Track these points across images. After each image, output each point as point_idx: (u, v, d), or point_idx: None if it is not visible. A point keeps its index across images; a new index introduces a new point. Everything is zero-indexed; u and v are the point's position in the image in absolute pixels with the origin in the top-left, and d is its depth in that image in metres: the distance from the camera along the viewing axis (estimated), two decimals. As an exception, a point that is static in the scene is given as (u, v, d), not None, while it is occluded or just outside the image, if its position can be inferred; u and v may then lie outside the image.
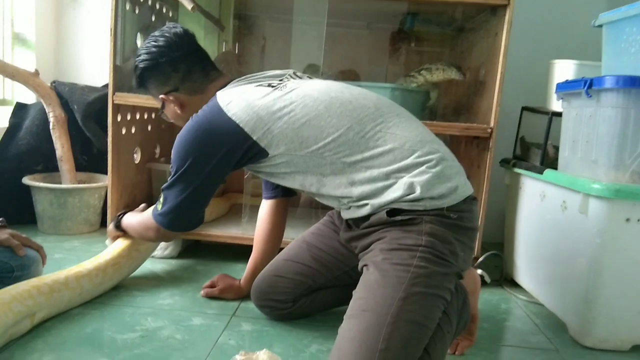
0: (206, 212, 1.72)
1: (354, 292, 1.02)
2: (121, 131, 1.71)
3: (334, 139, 1.06)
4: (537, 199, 1.52)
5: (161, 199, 1.18)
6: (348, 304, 1.30)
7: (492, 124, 1.58)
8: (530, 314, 1.47)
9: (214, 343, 1.14)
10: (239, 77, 1.21)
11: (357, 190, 1.05)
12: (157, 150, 2.06)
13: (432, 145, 1.07)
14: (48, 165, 2.00)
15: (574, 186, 1.28)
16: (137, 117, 1.84)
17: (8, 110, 2.00)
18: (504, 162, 1.74)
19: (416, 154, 1.04)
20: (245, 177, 1.95)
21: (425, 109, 1.80)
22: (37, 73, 1.88)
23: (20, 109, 2.00)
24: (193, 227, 1.22)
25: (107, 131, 1.98)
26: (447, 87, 1.96)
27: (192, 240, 1.81)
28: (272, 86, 1.13)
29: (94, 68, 2.22)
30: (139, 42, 1.78)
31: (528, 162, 1.61)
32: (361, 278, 1.03)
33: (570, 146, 1.38)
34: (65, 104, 1.96)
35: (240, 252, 1.68)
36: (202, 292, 1.40)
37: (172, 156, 1.14)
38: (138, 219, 1.34)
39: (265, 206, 1.42)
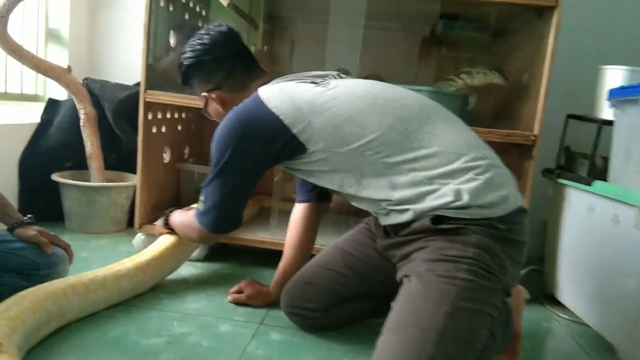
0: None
1: (393, 304, 0.96)
2: (151, 129, 1.69)
3: (375, 137, 1.00)
4: (583, 212, 1.44)
5: (202, 197, 1.16)
6: (381, 316, 1.25)
7: (536, 132, 1.50)
8: (574, 335, 1.38)
9: (242, 352, 1.09)
10: (276, 77, 1.18)
11: (398, 194, 0.99)
12: (186, 151, 2.03)
13: (480, 150, 1.01)
14: (78, 162, 1.98)
15: (628, 199, 1.19)
16: (168, 116, 1.81)
17: (40, 107, 1.99)
18: (547, 172, 1.65)
19: (463, 159, 0.97)
20: (275, 179, 1.91)
21: (464, 114, 1.72)
22: (69, 69, 1.87)
23: (52, 105, 2.00)
24: (233, 227, 1.19)
25: (137, 130, 1.98)
26: (486, 91, 1.88)
27: (219, 244, 1.76)
28: (315, 83, 1.09)
29: (126, 65, 2.21)
30: (171, 40, 1.76)
31: (574, 173, 1.53)
32: (401, 289, 0.96)
33: (623, 157, 1.29)
34: (96, 102, 1.95)
35: (268, 257, 1.63)
36: (229, 297, 1.36)
37: (212, 149, 1.11)
38: (183, 218, 1.34)
39: (298, 210, 1.37)
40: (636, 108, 1.23)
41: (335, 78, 1.14)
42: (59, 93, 2.07)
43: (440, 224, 0.95)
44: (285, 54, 2.25)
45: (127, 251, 1.69)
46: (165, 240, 1.43)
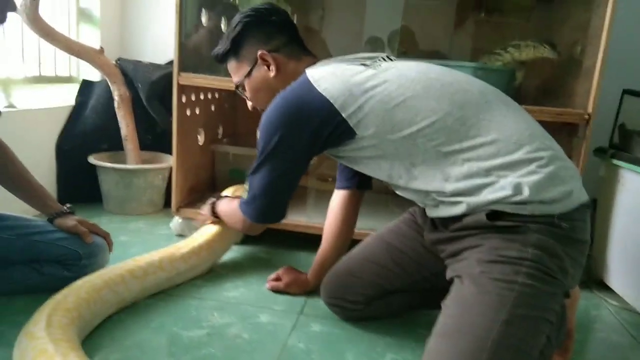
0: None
1: (443, 306, 0.91)
2: (185, 112, 1.66)
3: (429, 123, 0.94)
4: (640, 196, 1.35)
5: (246, 186, 1.12)
6: (423, 308, 1.25)
7: (590, 110, 1.40)
8: (625, 323, 1.32)
9: (283, 345, 1.08)
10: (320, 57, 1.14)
11: (451, 186, 0.93)
12: (220, 131, 2.00)
13: (543, 140, 0.93)
14: (113, 144, 1.98)
15: (694, 187, 1.11)
16: (201, 97, 1.78)
17: (74, 88, 1.99)
18: (600, 152, 1.56)
19: (524, 149, 0.90)
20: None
21: (510, 90, 1.63)
22: (102, 51, 1.85)
23: (86, 87, 1.99)
24: (278, 218, 1.14)
25: (170, 111, 1.95)
26: (534, 66, 1.77)
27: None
28: (366, 65, 1.03)
29: (157, 44, 2.17)
30: (203, 19, 1.71)
31: (630, 154, 1.43)
32: (453, 291, 0.91)
33: (688, 139, 1.19)
34: (129, 82, 1.93)
35: (304, 240, 1.61)
36: (267, 284, 1.34)
37: (259, 135, 1.07)
38: (229, 207, 1.29)
39: (337, 197, 1.33)
40: None
41: (385, 60, 1.07)
42: (93, 74, 2.06)
43: (497, 219, 0.89)
44: (314, 23, 2.15)
45: (165, 234, 1.69)
46: (215, 228, 1.43)
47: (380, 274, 1.17)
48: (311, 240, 1.64)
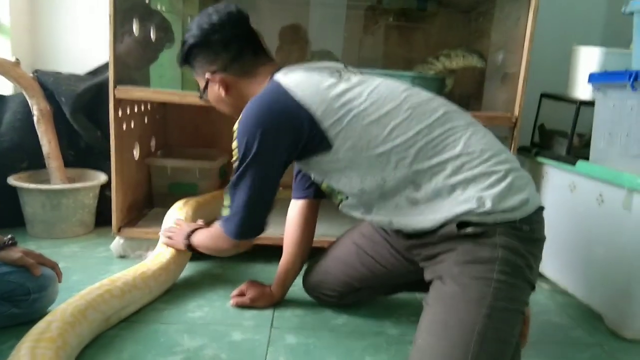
0: (211, 212, 1.65)
1: (426, 305, 0.98)
2: (122, 127, 1.58)
3: (402, 142, 0.99)
4: (565, 190, 1.51)
5: (226, 202, 1.11)
6: (395, 293, 1.38)
7: (516, 113, 1.54)
8: (560, 305, 1.47)
9: (264, 361, 1.07)
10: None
11: (421, 201, 1.00)
12: (153, 144, 1.92)
13: (500, 154, 1.02)
14: (33, 162, 1.83)
15: (617, 181, 1.26)
16: (136, 110, 1.70)
17: (-16, 103, 1.81)
18: (523, 151, 1.71)
19: (485, 165, 0.99)
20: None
21: (442, 97, 1.74)
22: (18, 62, 1.70)
23: (-2, 102, 1.81)
24: (262, 230, 1.15)
25: (98, 125, 1.85)
26: (463, 74, 1.90)
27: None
28: (338, 77, 1.06)
29: (73, 54, 2.03)
30: (135, 27, 1.63)
31: (553, 152, 1.59)
32: (435, 290, 0.98)
33: (605, 138, 1.36)
34: (49, 96, 1.79)
35: (257, 252, 1.59)
36: (231, 301, 1.32)
37: (236, 145, 1.06)
38: (208, 234, 1.27)
39: (296, 207, 1.34)
40: (621, 92, 1.29)
41: (353, 73, 1.10)
42: (3, 87, 1.88)
43: (466, 227, 0.96)
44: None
45: (105, 256, 1.60)
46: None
47: (351, 274, 1.25)
48: (264, 252, 1.63)
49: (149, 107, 1.83)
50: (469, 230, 0.96)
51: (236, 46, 1.14)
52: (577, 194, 1.46)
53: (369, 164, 1.01)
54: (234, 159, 1.08)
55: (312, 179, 1.17)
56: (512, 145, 1.55)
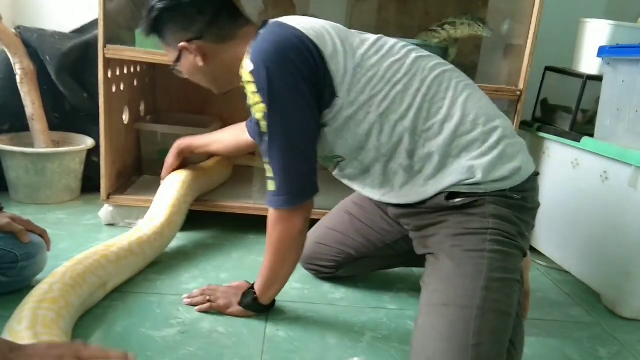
0: (209, 180, 1.60)
1: (423, 283, 0.96)
2: (111, 89, 1.50)
3: (401, 100, 0.95)
4: (567, 166, 1.48)
5: (269, 173, 0.98)
6: (388, 269, 1.35)
7: (521, 86, 1.50)
8: (557, 282, 1.46)
9: (263, 336, 1.04)
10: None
11: (415, 168, 0.97)
12: (142, 108, 1.85)
13: (495, 120, 0.98)
14: (16, 124, 1.74)
15: (623, 158, 1.24)
16: (125, 71, 1.62)
17: (-38, 60, 1.70)
18: (525, 125, 1.68)
19: (478, 130, 0.95)
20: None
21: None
22: (-1, 17, 1.60)
23: (-23, 59, 1.71)
24: (314, 187, 1.01)
25: (83, 86, 1.76)
26: (467, 43, 1.85)
27: (193, 211, 1.65)
28: (335, 26, 1.01)
29: (57, 10, 1.92)
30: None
31: (556, 127, 1.56)
32: (430, 268, 0.97)
33: (613, 114, 1.33)
34: (33, 54, 1.69)
35: (252, 222, 1.55)
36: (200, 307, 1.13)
37: (255, 101, 0.94)
38: (268, 251, 1.05)
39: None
40: (632, 67, 1.25)
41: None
42: (-17, 43, 1.77)
43: (455, 198, 0.94)
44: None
45: (92, 224, 1.54)
46: (169, 196, 1.38)
47: (345, 242, 1.23)
48: (259, 222, 1.59)
49: (138, 69, 1.74)
50: (458, 201, 0.94)
51: (211, 9, 1.01)
52: (580, 170, 1.43)
53: (368, 122, 0.97)
54: (256, 115, 0.95)
55: None
56: (515, 119, 1.52)
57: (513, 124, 1.52)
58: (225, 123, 1.93)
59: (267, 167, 0.98)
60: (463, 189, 0.94)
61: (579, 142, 1.40)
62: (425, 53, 1.03)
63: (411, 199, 0.99)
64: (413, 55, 1.00)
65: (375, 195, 1.05)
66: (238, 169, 1.87)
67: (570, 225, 1.48)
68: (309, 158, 0.99)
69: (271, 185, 0.99)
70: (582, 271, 1.43)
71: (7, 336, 0.81)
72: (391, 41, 1.03)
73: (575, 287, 1.44)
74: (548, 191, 1.58)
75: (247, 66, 0.94)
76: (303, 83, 0.93)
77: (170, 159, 1.51)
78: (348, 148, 1.00)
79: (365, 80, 0.95)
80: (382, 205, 1.18)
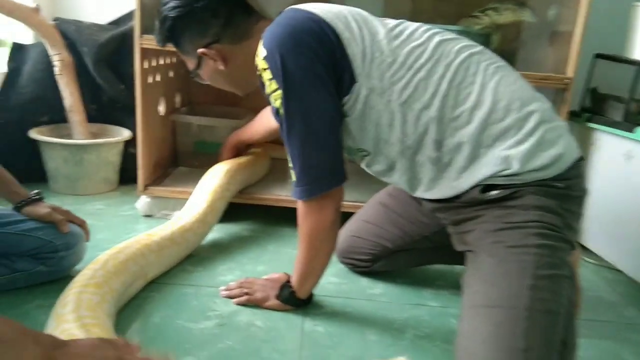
0: (251, 172, 1.57)
1: (465, 284, 0.90)
2: (147, 80, 1.49)
3: (425, 87, 0.89)
4: (619, 158, 1.40)
5: (290, 164, 0.95)
6: (426, 265, 1.31)
7: (570, 74, 1.43)
8: (609, 281, 1.39)
9: (301, 330, 1.02)
10: None
11: (443, 160, 0.90)
12: (177, 100, 1.84)
13: (531, 103, 0.90)
14: (54, 115, 1.76)
15: (685, 149, 1.16)
16: (161, 62, 1.61)
17: (3, 53, 1.73)
18: (572, 115, 1.60)
19: (514, 116, 0.88)
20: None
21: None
22: (38, 9, 1.61)
23: (17, 51, 1.73)
24: (341, 171, 0.95)
25: (120, 77, 1.77)
26: (510, 29, 1.77)
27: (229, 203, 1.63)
28: (352, 11, 0.96)
29: (96, 2, 1.93)
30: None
31: (607, 117, 1.48)
32: (471, 266, 0.91)
33: (672, 103, 1.24)
34: (70, 46, 1.70)
35: (287, 215, 1.53)
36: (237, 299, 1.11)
37: (272, 89, 0.90)
38: (299, 240, 1.02)
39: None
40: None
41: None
42: (24, 36, 1.80)
43: (490, 191, 0.88)
44: None
45: (130, 215, 1.54)
46: (211, 184, 1.38)
47: (381, 235, 1.19)
48: (294, 215, 1.57)
49: (174, 60, 1.74)
50: (495, 193, 0.87)
51: (225, 10, 0.99)
52: (634, 163, 1.35)
53: (389, 112, 0.90)
54: (275, 103, 0.92)
55: None
56: (563, 109, 1.44)
57: (560, 114, 1.45)
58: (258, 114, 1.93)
59: (288, 157, 0.95)
60: (499, 181, 0.87)
61: (632, 132, 1.32)
62: (451, 36, 0.97)
63: (444, 194, 0.92)
64: (436, 39, 0.94)
65: (407, 190, 0.99)
66: (274, 161, 1.85)
67: (622, 221, 1.39)
68: (329, 146, 0.93)
69: (293, 176, 0.95)
70: (636, 270, 1.35)
71: (53, 320, 0.82)
72: (412, 25, 0.97)
73: (628, 286, 1.36)
74: (597, 185, 1.50)
75: (261, 53, 0.91)
76: (320, 66, 0.88)
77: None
78: (371, 141, 0.94)
79: (385, 67, 0.90)
80: (417, 198, 1.13)
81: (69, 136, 1.71)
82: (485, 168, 0.87)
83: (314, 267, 1.03)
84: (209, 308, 1.06)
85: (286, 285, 1.07)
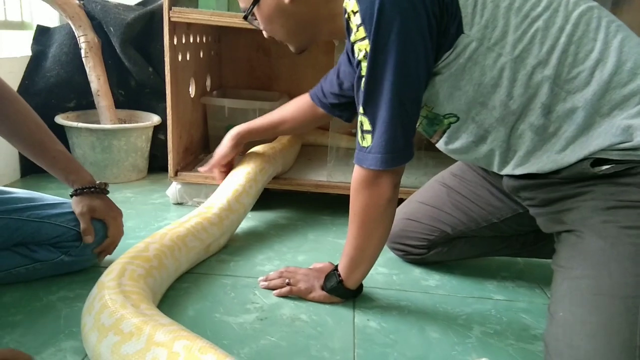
0: (284, 158, 1.46)
1: (559, 267, 0.77)
2: (177, 57, 1.39)
3: (541, 40, 0.75)
4: None
5: (366, 126, 0.80)
6: (486, 256, 1.15)
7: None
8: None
9: (352, 326, 0.90)
10: None
11: (550, 129, 0.77)
12: (208, 83, 1.74)
13: None
14: (81, 101, 1.69)
15: None
16: (191, 40, 1.51)
17: (28, 36, 1.66)
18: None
19: (638, 81, 0.74)
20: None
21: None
22: (63, -13, 1.53)
23: (42, 34, 1.66)
24: (412, 153, 0.82)
25: (148, 60, 1.68)
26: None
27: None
28: None
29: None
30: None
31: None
32: (570, 248, 0.77)
33: None
34: (97, 26, 1.62)
35: (325, 201, 1.42)
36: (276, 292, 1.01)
37: (359, 36, 0.76)
38: (351, 218, 0.89)
39: (308, 104, 1.21)
40: None
41: None
42: (48, 19, 1.73)
43: (601, 165, 0.74)
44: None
45: (161, 202, 1.45)
46: (248, 165, 1.29)
47: (441, 218, 1.06)
48: (333, 202, 1.46)
49: (204, 39, 1.64)
50: (607, 168, 0.74)
51: None
52: None
53: (498, 68, 0.77)
54: (358, 55, 0.77)
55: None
56: None
57: None
58: (291, 97, 1.81)
59: (363, 118, 0.80)
60: (614, 155, 0.74)
61: None
62: None
63: (541, 168, 0.79)
64: None
65: (491, 167, 0.86)
66: (305, 148, 1.74)
67: None
68: (414, 115, 0.80)
69: (366, 140, 0.80)
70: None
71: (95, 288, 0.79)
72: None
73: None
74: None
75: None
76: (424, 16, 0.73)
77: (224, 148, 1.27)
78: (465, 103, 0.80)
79: (500, 13, 0.75)
80: (490, 176, 1.00)
81: (97, 123, 1.63)
82: (600, 139, 0.74)
83: (365, 252, 0.90)
84: (249, 300, 0.95)
85: (333, 274, 0.95)
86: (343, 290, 0.95)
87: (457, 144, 0.86)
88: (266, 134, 1.30)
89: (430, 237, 1.08)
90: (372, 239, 0.88)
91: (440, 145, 0.90)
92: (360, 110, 0.80)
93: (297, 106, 1.24)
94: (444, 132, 0.87)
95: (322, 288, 0.96)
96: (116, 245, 1.02)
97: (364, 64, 0.76)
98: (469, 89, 0.79)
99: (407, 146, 0.80)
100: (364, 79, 0.77)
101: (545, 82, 0.75)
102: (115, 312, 0.69)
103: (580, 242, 0.76)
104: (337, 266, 0.96)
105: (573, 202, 0.79)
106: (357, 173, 0.84)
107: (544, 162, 0.79)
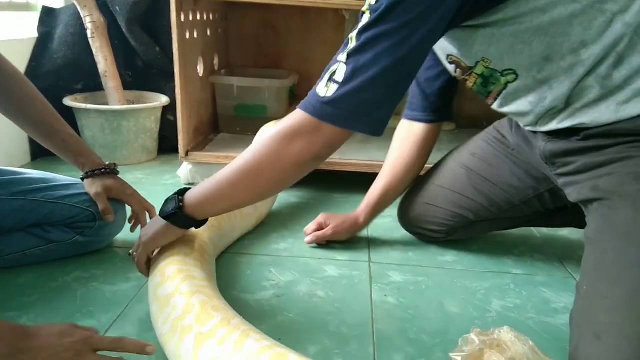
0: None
1: (588, 240, 0.74)
2: (185, 34, 1.37)
3: None
4: None
5: (339, 76, 0.68)
6: (505, 230, 1.12)
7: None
8: None
9: (370, 301, 0.89)
10: None
11: (615, 82, 0.72)
12: (216, 62, 1.72)
13: None
14: (89, 83, 1.67)
15: None
16: (198, 17, 1.48)
17: (34, 17, 1.64)
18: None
19: None
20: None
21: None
22: (67, -34, 1.51)
23: (48, 15, 1.64)
24: (383, 126, 0.71)
25: (156, 39, 1.65)
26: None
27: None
28: None
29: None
30: None
31: None
32: (600, 219, 0.74)
33: None
34: (102, 6, 1.60)
35: (339, 181, 1.40)
36: (308, 238, 1.09)
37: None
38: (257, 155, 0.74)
39: (410, 129, 1.07)
40: None
41: None
42: (54, 0, 1.70)
43: None
44: None
45: (172, 183, 1.44)
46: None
47: (462, 204, 1.02)
48: (345, 180, 1.44)
49: (210, 16, 1.61)
50: None
51: None
52: None
53: (569, 15, 0.70)
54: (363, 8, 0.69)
55: (455, 72, 0.85)
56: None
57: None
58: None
59: (341, 67, 0.68)
60: None
61: None
62: None
63: (597, 119, 0.74)
64: None
65: (539, 126, 0.82)
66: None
67: None
68: (403, 89, 0.71)
69: (329, 89, 0.68)
70: None
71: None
72: None
73: None
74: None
75: None
76: None
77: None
78: (529, 58, 0.74)
79: None
80: (515, 153, 0.97)
81: (105, 104, 1.61)
82: None
83: (240, 197, 0.76)
84: (264, 277, 0.95)
85: (173, 197, 0.79)
86: (182, 219, 0.78)
87: (512, 107, 0.82)
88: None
89: (450, 223, 1.05)
90: (259, 189, 0.75)
91: (494, 107, 0.86)
92: (344, 57, 0.68)
93: (413, 146, 1.08)
94: (499, 94, 0.82)
95: (162, 214, 0.79)
96: (153, 215, 1.01)
97: (367, 15, 0.67)
98: (535, 42, 0.73)
99: (378, 122, 0.70)
100: (364, 22, 0.67)
101: (627, 31, 0.70)
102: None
103: (611, 214, 0.72)
104: (184, 190, 0.80)
105: (615, 167, 0.75)
106: (295, 120, 0.71)
107: (601, 112, 0.74)
